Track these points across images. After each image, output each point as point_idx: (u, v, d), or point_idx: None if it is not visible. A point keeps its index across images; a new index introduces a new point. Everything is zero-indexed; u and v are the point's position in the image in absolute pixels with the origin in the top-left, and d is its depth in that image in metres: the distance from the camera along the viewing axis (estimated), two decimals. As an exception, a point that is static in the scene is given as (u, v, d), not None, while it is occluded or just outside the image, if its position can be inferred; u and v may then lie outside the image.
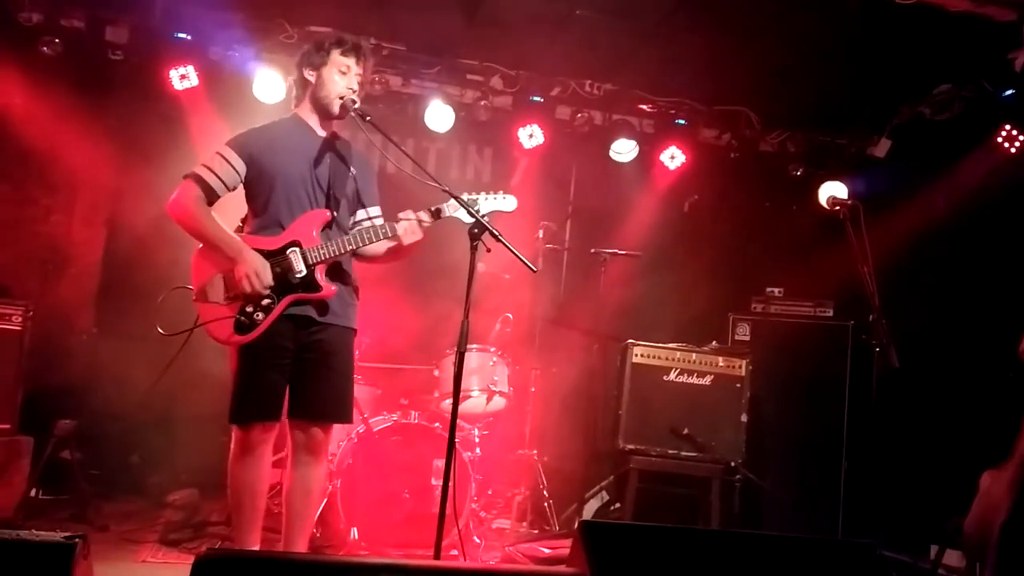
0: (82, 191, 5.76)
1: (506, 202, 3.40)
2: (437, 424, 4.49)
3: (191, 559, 3.94)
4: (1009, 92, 5.33)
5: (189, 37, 5.62)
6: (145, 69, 5.59)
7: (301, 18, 5.64)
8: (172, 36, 5.60)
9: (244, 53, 5.62)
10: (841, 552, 2.43)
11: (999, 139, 5.42)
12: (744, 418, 5.15)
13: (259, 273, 3.14)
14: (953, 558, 4.48)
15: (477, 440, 4.79)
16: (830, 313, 5.83)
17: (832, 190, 5.79)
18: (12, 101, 5.38)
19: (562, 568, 2.30)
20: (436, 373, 4.96)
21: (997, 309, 5.26)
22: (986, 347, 5.23)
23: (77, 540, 1.85)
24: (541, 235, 5.52)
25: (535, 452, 5.36)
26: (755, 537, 2.54)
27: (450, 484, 3.06)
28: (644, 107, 6.40)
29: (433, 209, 3.31)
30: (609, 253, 5.54)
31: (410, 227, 3.28)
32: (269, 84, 5.62)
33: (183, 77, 5.59)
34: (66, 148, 5.57)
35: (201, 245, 3.27)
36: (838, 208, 4.07)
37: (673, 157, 6.36)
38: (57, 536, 1.85)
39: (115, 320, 5.69)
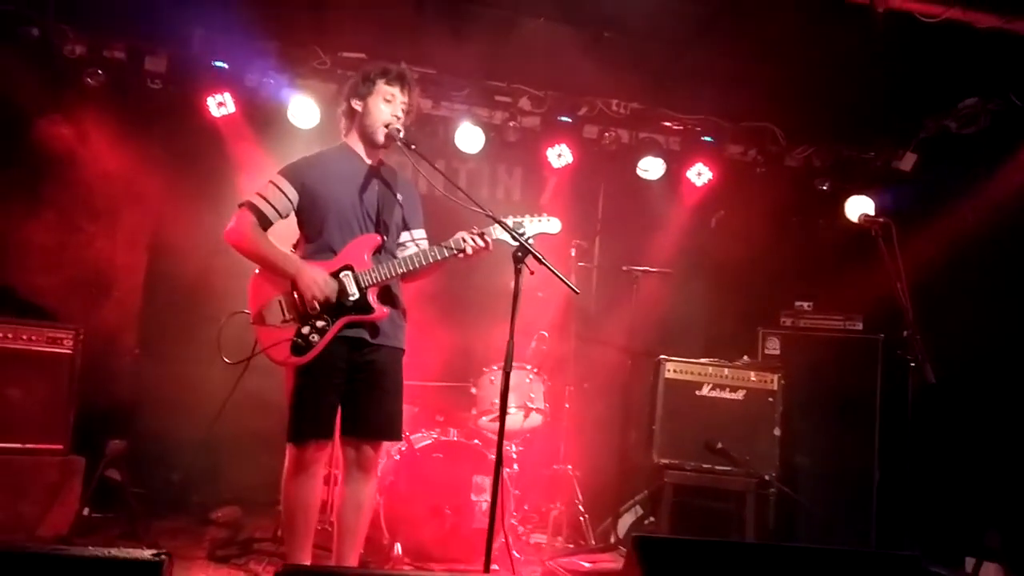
0: (125, 217, 5.90)
1: (551, 224, 3.50)
2: (476, 441, 4.58)
3: (241, 575, 4.10)
4: (1036, 106, 5.37)
5: (226, 65, 5.78)
6: (183, 97, 5.76)
7: (334, 44, 5.80)
8: (209, 65, 5.76)
9: (279, 80, 5.77)
10: (886, 564, 2.49)
11: (1026, 152, 5.45)
12: (777, 432, 5.20)
13: (322, 287, 3.26)
14: (990, 571, 4.50)
15: (515, 456, 4.88)
16: (860, 327, 5.87)
17: (859, 204, 5.87)
18: (59, 131, 5.55)
19: (617, 581, 2.37)
20: (473, 391, 5.04)
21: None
22: (1018, 360, 5.26)
23: (164, 556, 1.95)
24: (573, 253, 5.60)
25: (570, 467, 5.44)
26: (801, 550, 2.60)
27: (498, 500, 3.14)
28: (670, 125, 6.48)
29: (478, 232, 3.40)
30: (640, 270, 5.63)
31: (469, 246, 3.36)
32: (304, 110, 5.76)
33: (220, 104, 5.74)
34: (109, 175, 5.73)
35: (258, 270, 3.39)
36: (870, 226, 4.14)
37: (700, 174, 6.44)
38: (146, 554, 1.95)
39: (158, 342, 5.84)
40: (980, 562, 4.39)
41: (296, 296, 3.30)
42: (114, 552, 1.95)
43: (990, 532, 4.14)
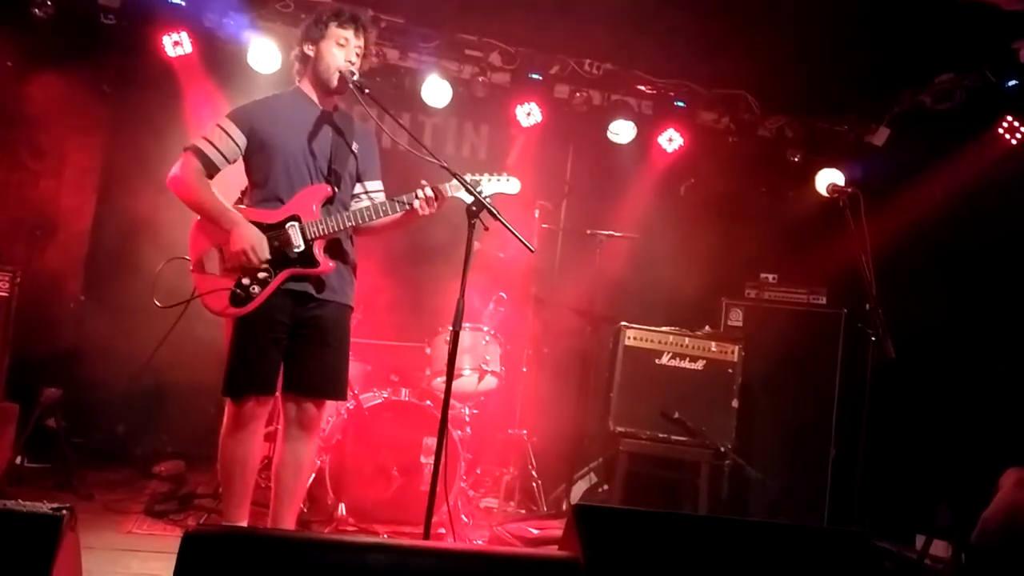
0: (72, 157, 5.67)
1: (509, 184, 3.37)
2: (428, 402, 4.47)
3: (177, 531, 3.99)
4: (1012, 82, 5.30)
5: (183, 3, 5.53)
6: (138, 34, 5.49)
7: (299, -14, 5.56)
8: (166, 1, 5.51)
9: (239, 21, 5.51)
10: (835, 541, 2.42)
11: (1000, 130, 5.39)
12: (735, 403, 5.17)
13: (255, 247, 3.11)
14: (939, 548, 4.50)
15: (467, 419, 4.79)
16: (824, 301, 5.83)
17: (830, 177, 5.79)
18: (2, 64, 5.28)
19: (554, 550, 2.28)
20: (428, 351, 4.92)
21: (990, 301, 5.28)
22: (978, 338, 5.26)
23: (64, 511, 1.82)
24: (537, 215, 5.47)
25: (525, 432, 5.35)
26: (748, 524, 2.53)
27: (441, 462, 3.03)
28: (643, 88, 6.34)
29: (432, 187, 3.25)
30: (605, 235, 5.52)
31: (421, 203, 3.23)
32: (264, 53, 5.53)
33: (176, 44, 5.50)
34: (57, 113, 5.48)
35: (199, 217, 3.23)
36: (838, 196, 4.05)
37: (671, 140, 6.31)
38: (44, 507, 1.82)
39: (104, 288, 5.65)
40: (930, 539, 4.38)
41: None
42: (9, 505, 1.82)
43: (940, 509, 4.12)
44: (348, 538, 1.94)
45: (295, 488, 3.33)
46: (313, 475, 4.15)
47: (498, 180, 3.38)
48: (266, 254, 3.13)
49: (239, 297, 3.12)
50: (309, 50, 3.35)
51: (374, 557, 1.85)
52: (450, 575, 1.89)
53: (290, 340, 3.24)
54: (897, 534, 5.08)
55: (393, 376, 4.89)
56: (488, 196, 3.27)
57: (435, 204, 3.26)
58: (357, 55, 3.35)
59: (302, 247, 3.17)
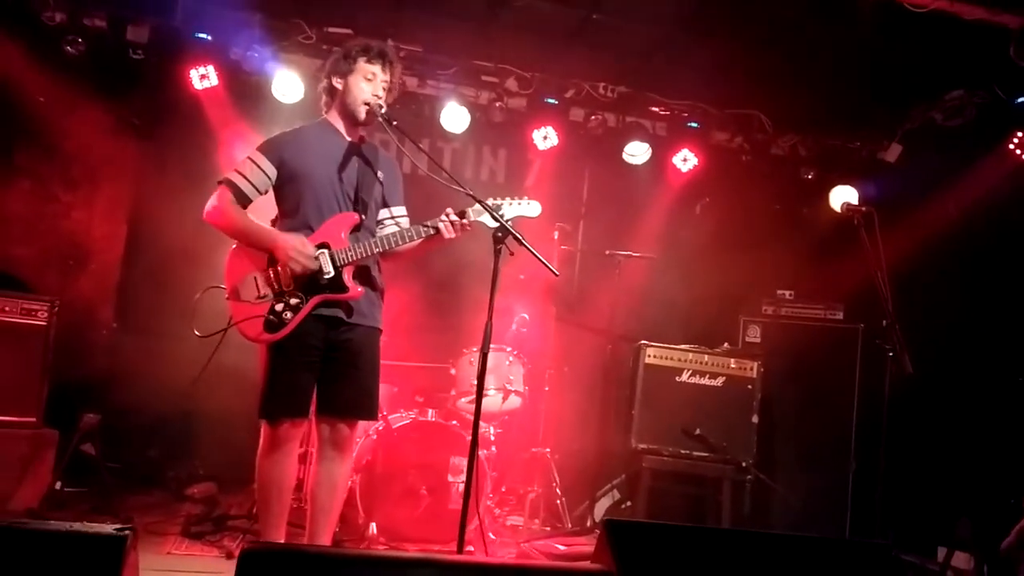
0: (103, 188, 5.85)
1: (531, 207, 3.46)
2: (454, 422, 4.57)
3: (214, 551, 4.10)
4: (1022, 99, 5.37)
5: (209, 37, 5.69)
6: (165, 69, 5.67)
7: (319, 19, 5.72)
8: (192, 36, 5.68)
9: (263, 53, 5.69)
10: (857, 553, 2.49)
11: (1011, 146, 5.46)
12: (755, 419, 5.22)
13: (300, 247, 3.24)
14: (961, 560, 4.54)
15: (492, 438, 4.87)
16: (840, 316, 5.89)
17: (843, 194, 5.89)
18: (36, 99, 5.46)
19: (587, 564, 2.36)
20: (452, 372, 5.02)
21: (1007, 314, 5.33)
22: (995, 352, 5.30)
23: (128, 532, 1.92)
24: (556, 236, 5.58)
25: (548, 450, 5.44)
26: (773, 537, 2.60)
27: (474, 481, 3.13)
28: (657, 110, 6.46)
29: (457, 212, 3.37)
30: (623, 255, 5.62)
31: (446, 226, 3.34)
32: (287, 84, 5.69)
33: (203, 77, 5.67)
34: (88, 146, 5.67)
35: (235, 245, 3.37)
36: (852, 215, 4.13)
37: (685, 160, 6.42)
38: (109, 528, 1.92)
39: (135, 316, 5.80)
40: (951, 552, 4.42)
41: (272, 273, 3.28)
42: (76, 527, 1.92)
43: (961, 521, 4.16)
44: (394, 554, 2.04)
45: (331, 506, 3.42)
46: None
47: (519, 204, 3.46)
48: (313, 249, 3.25)
49: (273, 323, 3.24)
50: (337, 83, 3.48)
51: (419, 572, 1.95)
52: (491, 588, 1.98)
53: (322, 363, 3.35)
54: (919, 547, 5.12)
55: (418, 397, 5.00)
56: (510, 220, 3.37)
57: (460, 228, 3.37)
58: (384, 89, 3.47)
59: (332, 273, 3.29)
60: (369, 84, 3.44)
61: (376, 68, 3.45)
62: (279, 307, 3.25)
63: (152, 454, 5.56)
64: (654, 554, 2.29)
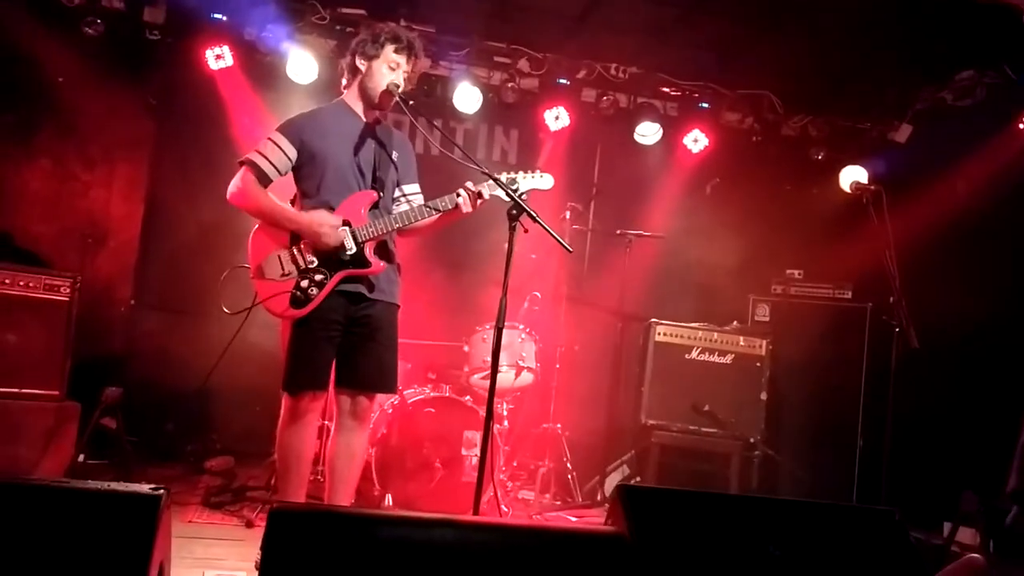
0: (120, 168, 5.92)
1: (543, 180, 3.54)
2: (467, 397, 4.65)
3: (234, 520, 4.21)
4: (1032, 80, 5.40)
5: (224, 18, 5.76)
6: (181, 49, 5.75)
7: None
8: (208, 17, 5.74)
9: (278, 34, 5.74)
10: (862, 518, 2.57)
11: (1020, 125, 5.48)
12: (764, 396, 5.31)
13: (325, 222, 3.33)
14: (967, 535, 4.60)
15: (505, 414, 4.96)
16: (849, 295, 5.95)
17: (853, 174, 5.92)
18: (55, 80, 5.54)
19: (601, 526, 2.45)
20: (465, 348, 5.09)
21: (1013, 293, 5.36)
22: (1002, 328, 5.35)
23: (162, 491, 2.01)
24: (568, 216, 5.64)
25: (559, 426, 5.52)
26: (780, 503, 2.68)
27: (487, 454, 3.20)
28: (668, 90, 6.51)
29: (473, 189, 3.44)
30: (633, 234, 5.69)
31: (465, 200, 3.42)
32: (302, 64, 5.74)
33: (218, 57, 5.74)
34: (106, 126, 5.75)
35: (258, 225, 3.45)
36: (861, 193, 4.19)
37: (696, 140, 6.47)
38: (145, 488, 2.01)
39: (152, 294, 5.90)
40: (956, 526, 4.49)
41: (295, 250, 3.36)
42: (113, 486, 2.01)
43: (966, 495, 4.22)
44: (418, 515, 2.11)
45: (349, 476, 3.51)
46: (361, 467, 4.35)
47: (533, 177, 3.55)
48: (337, 233, 3.33)
49: (299, 299, 3.32)
50: (361, 64, 3.54)
51: (441, 532, 2.03)
52: (509, 547, 2.07)
53: (343, 338, 3.44)
54: (924, 521, 5.18)
55: (431, 374, 5.07)
56: (524, 192, 3.44)
57: (476, 203, 3.44)
58: (404, 79, 3.54)
59: (354, 250, 3.37)
60: (391, 72, 3.51)
61: (402, 59, 3.53)
62: (304, 283, 3.33)
63: (169, 428, 5.66)
64: (665, 518, 2.37)
